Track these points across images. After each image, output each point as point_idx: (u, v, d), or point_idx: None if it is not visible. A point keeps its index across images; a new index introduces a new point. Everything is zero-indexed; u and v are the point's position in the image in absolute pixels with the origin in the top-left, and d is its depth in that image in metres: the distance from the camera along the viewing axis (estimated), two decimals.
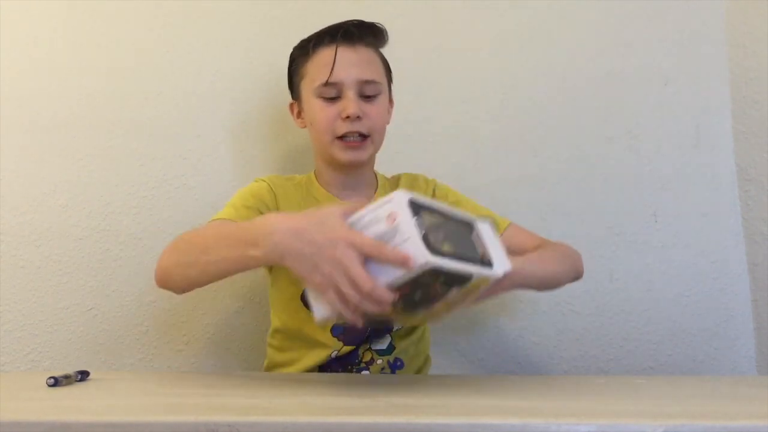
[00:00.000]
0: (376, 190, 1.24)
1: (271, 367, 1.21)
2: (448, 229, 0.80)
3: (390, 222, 0.76)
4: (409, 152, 1.33)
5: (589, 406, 0.66)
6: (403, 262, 0.73)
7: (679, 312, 1.46)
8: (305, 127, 1.21)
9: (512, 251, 1.01)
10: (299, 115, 1.22)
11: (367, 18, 1.19)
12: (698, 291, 1.47)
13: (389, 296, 0.75)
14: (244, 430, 0.53)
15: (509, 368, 1.42)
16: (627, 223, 1.47)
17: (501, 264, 0.84)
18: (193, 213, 1.37)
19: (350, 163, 1.17)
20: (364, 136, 1.15)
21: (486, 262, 0.82)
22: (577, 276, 1.18)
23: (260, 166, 1.41)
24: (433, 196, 1.25)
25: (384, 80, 1.20)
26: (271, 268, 1.18)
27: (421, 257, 0.72)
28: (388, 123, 1.22)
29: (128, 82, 1.39)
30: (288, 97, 1.25)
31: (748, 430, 0.55)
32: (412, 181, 1.26)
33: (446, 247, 0.76)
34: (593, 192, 1.47)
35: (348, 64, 1.14)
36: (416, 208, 0.77)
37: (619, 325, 1.45)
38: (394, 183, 1.26)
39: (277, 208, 1.15)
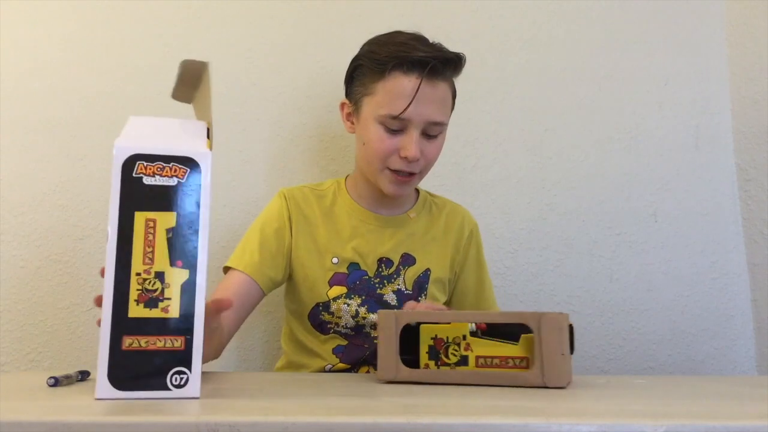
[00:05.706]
0: (413, 205, 1.22)
1: (286, 366, 1.20)
2: None
3: None
4: None
5: (589, 406, 0.66)
6: None
7: (679, 312, 1.46)
8: (353, 132, 1.15)
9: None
10: (349, 117, 1.15)
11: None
12: (698, 291, 1.47)
13: None
14: (244, 430, 0.53)
15: None
16: (627, 223, 1.47)
17: None
18: None
19: (395, 196, 1.14)
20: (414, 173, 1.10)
21: None
22: None
23: (260, 166, 1.41)
24: (468, 240, 1.22)
25: (449, 117, 1.12)
26: (289, 277, 1.17)
27: None
28: None
29: (128, 82, 1.39)
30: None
31: (748, 430, 0.55)
32: (453, 215, 1.23)
33: None
34: (593, 192, 1.47)
35: (424, 102, 1.05)
36: None
37: (619, 325, 1.45)
38: (439, 207, 1.23)
39: (291, 229, 1.15)
